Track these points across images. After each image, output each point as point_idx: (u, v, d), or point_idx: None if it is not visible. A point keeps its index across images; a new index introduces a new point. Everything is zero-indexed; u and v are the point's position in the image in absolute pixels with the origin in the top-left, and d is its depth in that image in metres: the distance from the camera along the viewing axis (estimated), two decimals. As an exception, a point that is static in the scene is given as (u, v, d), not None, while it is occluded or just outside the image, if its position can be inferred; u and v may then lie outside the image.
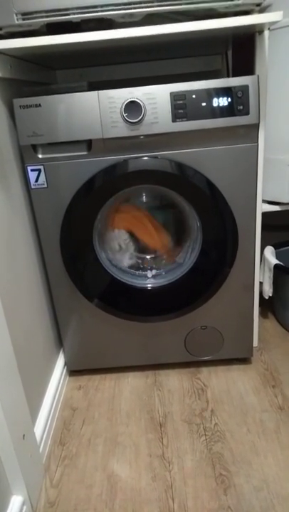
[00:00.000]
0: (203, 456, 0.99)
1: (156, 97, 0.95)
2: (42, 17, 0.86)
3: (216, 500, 0.88)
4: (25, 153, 1.01)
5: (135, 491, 0.92)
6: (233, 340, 1.25)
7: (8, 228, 0.95)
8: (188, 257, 1.16)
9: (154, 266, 1.24)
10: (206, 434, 1.05)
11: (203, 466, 0.97)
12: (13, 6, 0.85)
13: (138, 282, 1.17)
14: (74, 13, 0.86)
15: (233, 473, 0.94)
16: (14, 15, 0.85)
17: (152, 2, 0.84)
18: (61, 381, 1.24)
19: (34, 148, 1.01)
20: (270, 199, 1.30)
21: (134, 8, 0.84)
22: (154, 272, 1.21)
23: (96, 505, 0.90)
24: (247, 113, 0.96)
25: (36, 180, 1.04)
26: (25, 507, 0.87)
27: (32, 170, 1.03)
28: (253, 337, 1.26)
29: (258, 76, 0.94)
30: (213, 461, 0.98)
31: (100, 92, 0.95)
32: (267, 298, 1.42)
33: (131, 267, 1.23)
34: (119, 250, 1.21)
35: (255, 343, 1.32)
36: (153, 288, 1.16)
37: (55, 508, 0.90)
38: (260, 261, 1.38)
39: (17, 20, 0.86)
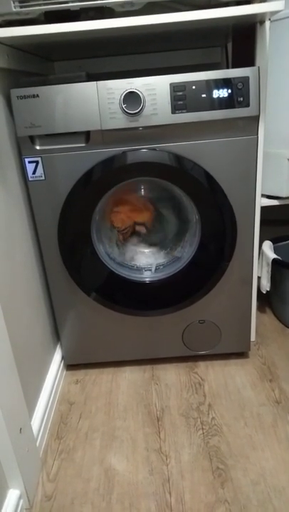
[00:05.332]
0: (200, 449, 0.99)
1: (155, 88, 0.93)
2: (40, 5, 0.84)
3: (213, 493, 0.88)
4: (23, 145, 1.00)
5: (132, 485, 0.92)
6: (230, 335, 1.25)
7: (6, 221, 0.94)
8: (186, 251, 1.15)
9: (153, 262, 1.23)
10: (203, 428, 1.05)
11: (201, 460, 0.97)
12: (10, -7, 0.83)
13: (136, 276, 1.16)
14: (73, 1, 0.84)
15: (230, 466, 0.94)
16: (12, 2, 0.84)
17: (152, -10, 0.83)
18: (58, 375, 1.23)
19: (32, 139, 1.00)
20: (268, 193, 1.29)
21: (134, -4, 0.83)
22: (153, 269, 1.20)
23: (93, 499, 0.90)
24: (247, 105, 0.95)
25: (34, 173, 1.03)
26: (22, 501, 0.87)
27: (29, 162, 1.01)
28: (251, 331, 1.26)
29: (259, 67, 0.93)
30: (210, 454, 0.98)
31: (99, 82, 0.93)
32: (264, 292, 1.42)
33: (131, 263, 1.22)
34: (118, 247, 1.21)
35: (253, 338, 1.32)
36: (151, 282, 1.15)
37: (52, 502, 0.90)
38: (259, 255, 1.38)
39: (14, 7, 0.85)
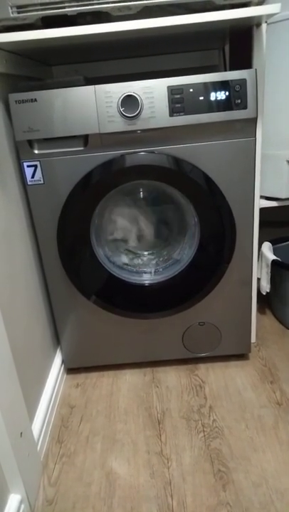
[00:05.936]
0: (201, 452, 0.99)
1: (153, 91, 0.94)
2: (37, 10, 0.85)
3: (215, 496, 0.88)
4: (21, 149, 1.00)
5: (134, 488, 0.92)
6: (230, 337, 1.24)
7: (5, 225, 0.94)
8: (185, 253, 1.15)
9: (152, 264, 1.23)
10: (204, 431, 1.05)
11: (202, 463, 0.96)
12: (8, -2, 0.84)
13: (135, 279, 1.16)
14: (70, 6, 0.84)
15: (232, 469, 0.94)
16: (9, 8, 0.84)
17: (149, -6, 0.83)
18: (59, 379, 1.23)
19: (30, 143, 1.00)
20: (267, 195, 1.30)
21: (131, 0, 0.83)
22: (153, 272, 1.20)
23: (94, 503, 0.89)
24: (245, 107, 0.95)
25: (32, 177, 1.03)
26: (23, 505, 0.86)
27: (28, 166, 1.02)
28: (251, 333, 1.25)
29: (256, 70, 0.94)
30: (212, 457, 0.98)
31: (97, 86, 0.94)
32: (264, 294, 1.42)
33: (129, 264, 1.22)
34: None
35: (253, 339, 1.32)
36: (150, 284, 1.15)
37: (54, 506, 0.90)
38: (258, 257, 1.38)
39: (12, 13, 0.85)
